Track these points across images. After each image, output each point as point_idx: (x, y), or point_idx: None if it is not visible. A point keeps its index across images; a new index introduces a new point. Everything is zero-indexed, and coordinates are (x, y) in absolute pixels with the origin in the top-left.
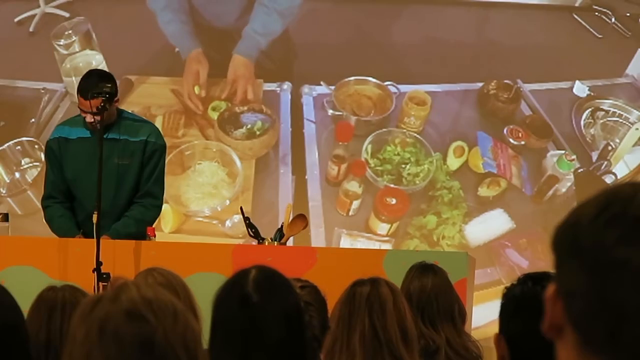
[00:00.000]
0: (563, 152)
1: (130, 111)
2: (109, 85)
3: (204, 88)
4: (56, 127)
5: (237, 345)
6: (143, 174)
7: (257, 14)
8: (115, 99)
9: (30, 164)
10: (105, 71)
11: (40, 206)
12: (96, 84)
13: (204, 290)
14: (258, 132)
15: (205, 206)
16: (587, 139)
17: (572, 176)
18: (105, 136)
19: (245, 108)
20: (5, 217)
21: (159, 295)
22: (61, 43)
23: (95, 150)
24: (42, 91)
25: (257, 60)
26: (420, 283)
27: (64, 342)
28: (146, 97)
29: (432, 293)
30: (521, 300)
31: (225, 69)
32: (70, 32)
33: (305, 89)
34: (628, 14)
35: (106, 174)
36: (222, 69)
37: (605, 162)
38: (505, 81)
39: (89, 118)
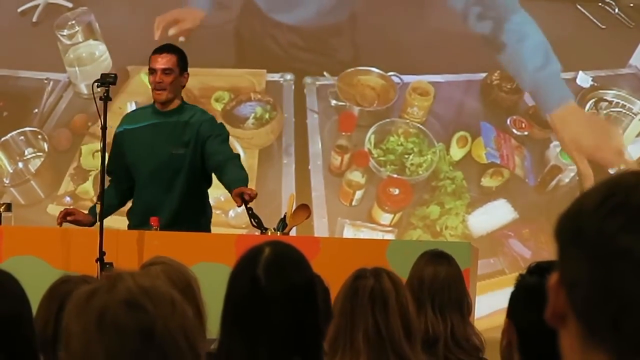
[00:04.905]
0: None
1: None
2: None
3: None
4: (124, 117)
5: (245, 324)
6: (207, 149)
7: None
8: (186, 74)
9: (34, 154)
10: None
11: (42, 196)
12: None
13: (207, 280)
14: (260, 120)
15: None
16: None
17: (575, 166)
18: (165, 120)
19: (245, 98)
20: (8, 207)
21: (156, 284)
22: (64, 33)
23: (154, 138)
24: (46, 81)
25: (262, 50)
26: (435, 270)
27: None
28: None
29: (446, 282)
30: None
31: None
32: (73, 22)
33: (309, 79)
34: (631, 5)
35: (161, 163)
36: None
37: None
38: None
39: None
